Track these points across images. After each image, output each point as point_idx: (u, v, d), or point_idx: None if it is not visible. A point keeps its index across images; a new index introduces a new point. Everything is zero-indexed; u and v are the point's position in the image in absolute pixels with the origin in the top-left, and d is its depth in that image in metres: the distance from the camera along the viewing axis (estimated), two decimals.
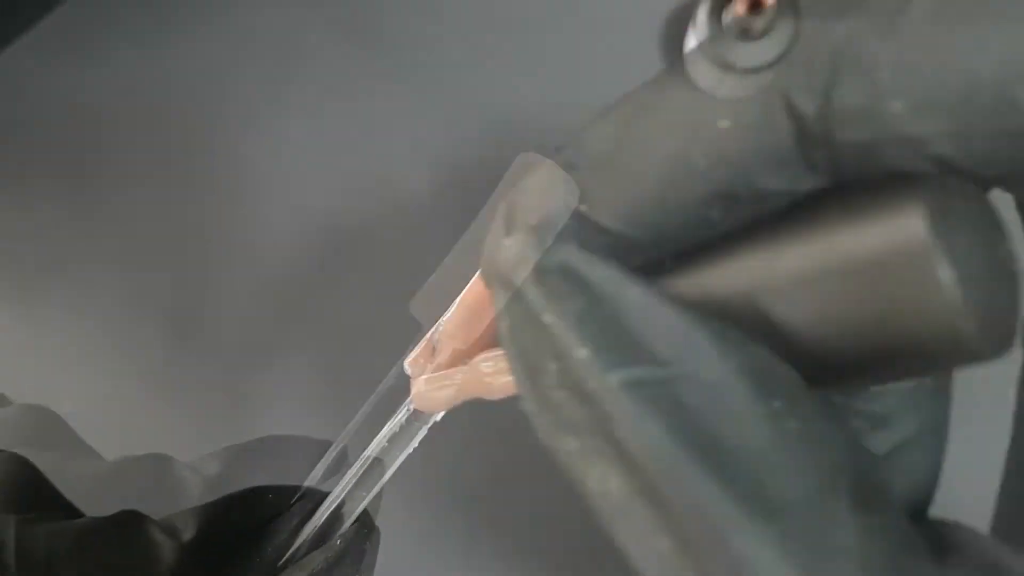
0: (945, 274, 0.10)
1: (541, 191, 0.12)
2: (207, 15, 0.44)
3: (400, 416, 0.19)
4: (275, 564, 0.20)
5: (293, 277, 0.40)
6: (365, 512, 0.21)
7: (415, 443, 0.19)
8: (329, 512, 0.20)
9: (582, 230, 0.12)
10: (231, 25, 0.44)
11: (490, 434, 0.36)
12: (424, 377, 0.17)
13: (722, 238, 0.12)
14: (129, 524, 0.20)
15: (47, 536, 0.19)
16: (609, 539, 0.11)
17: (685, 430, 0.10)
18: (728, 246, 0.12)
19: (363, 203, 0.41)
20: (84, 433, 0.39)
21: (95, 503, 0.18)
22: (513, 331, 0.12)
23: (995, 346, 0.11)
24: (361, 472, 0.19)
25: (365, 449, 0.19)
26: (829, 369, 0.11)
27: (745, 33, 0.11)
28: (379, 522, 0.25)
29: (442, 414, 0.19)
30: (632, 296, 0.11)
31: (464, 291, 0.16)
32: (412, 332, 0.18)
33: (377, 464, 0.19)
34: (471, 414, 0.36)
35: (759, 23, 0.10)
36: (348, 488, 0.19)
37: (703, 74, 0.11)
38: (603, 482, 0.11)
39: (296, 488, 0.22)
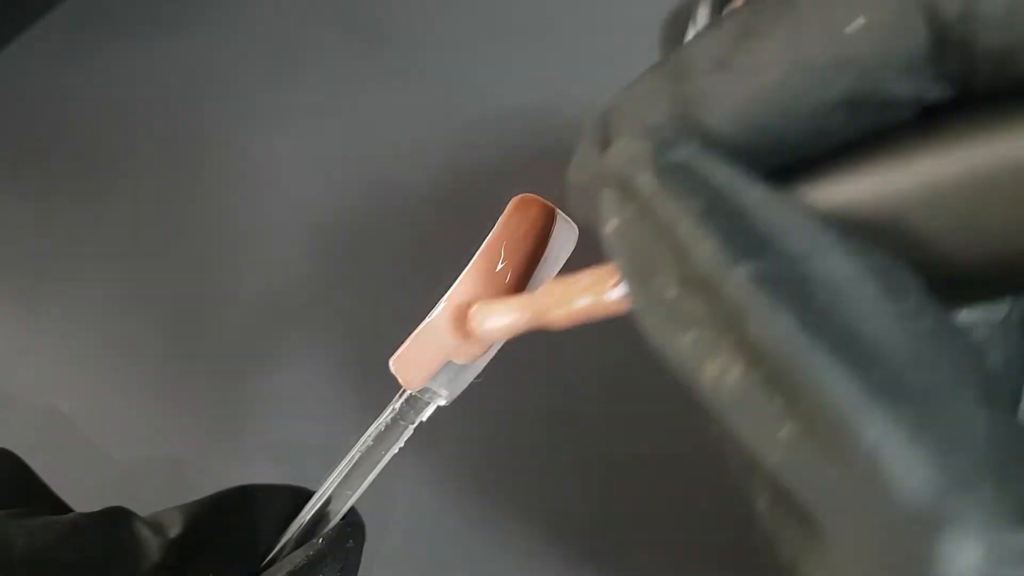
0: None
1: (647, 97, 0.12)
2: (207, 15, 0.44)
3: (386, 415, 0.19)
4: (260, 562, 0.20)
5: (293, 277, 0.40)
6: (353, 511, 0.21)
7: (401, 443, 0.19)
8: (314, 511, 0.20)
9: (698, 136, 0.12)
10: (231, 25, 0.44)
11: (490, 434, 0.36)
12: (481, 307, 0.17)
13: (844, 147, 0.12)
14: (115, 520, 0.20)
15: (32, 530, 0.19)
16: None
17: (817, 322, 0.10)
18: (850, 155, 0.12)
19: (364, 203, 0.41)
20: (84, 434, 0.39)
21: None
22: (623, 231, 0.12)
23: None
24: (347, 471, 0.19)
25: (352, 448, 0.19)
26: (952, 279, 0.11)
27: None
28: (377, 521, 0.25)
29: (429, 413, 0.19)
30: (756, 195, 0.11)
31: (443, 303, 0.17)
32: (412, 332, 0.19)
33: (363, 463, 0.19)
34: (470, 414, 0.36)
35: None
36: (333, 487, 0.19)
37: None
38: (722, 374, 0.11)
39: (285, 487, 0.22)
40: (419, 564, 0.35)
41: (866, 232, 0.11)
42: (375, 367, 0.19)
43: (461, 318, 0.17)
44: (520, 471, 0.35)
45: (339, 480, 0.19)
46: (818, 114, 0.11)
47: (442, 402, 0.19)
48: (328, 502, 0.20)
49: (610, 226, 0.12)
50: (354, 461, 0.19)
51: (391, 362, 0.18)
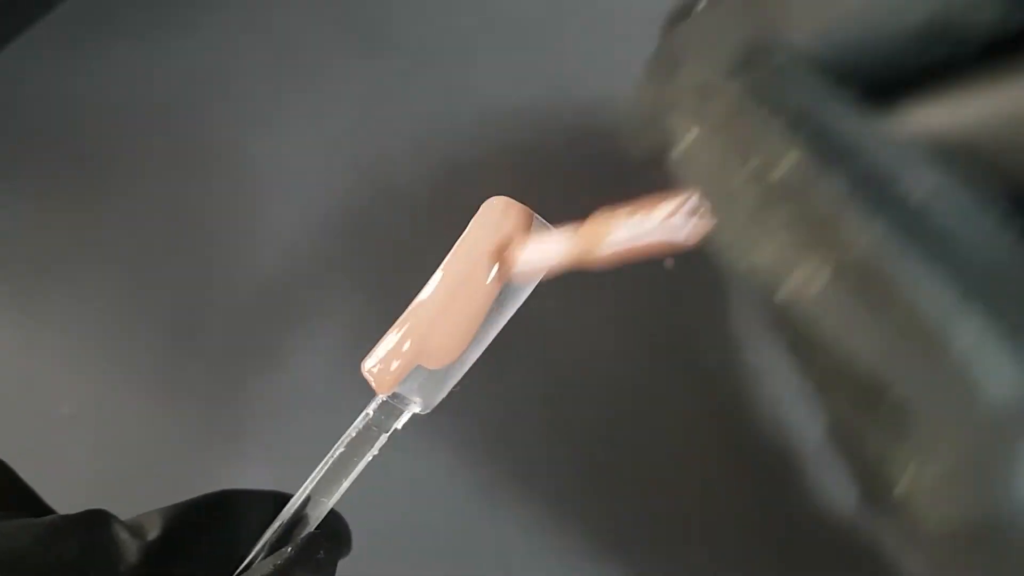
0: None
1: (721, 23, 0.12)
2: (207, 15, 0.44)
3: (358, 421, 0.19)
4: (235, 567, 0.20)
5: (293, 277, 0.40)
6: (336, 519, 0.21)
7: (375, 450, 0.19)
8: (288, 518, 0.19)
9: (783, 52, 0.12)
10: (231, 24, 0.44)
11: (486, 435, 0.36)
12: (520, 240, 0.17)
13: (925, 73, 0.12)
14: (93, 522, 0.20)
15: (8, 532, 0.19)
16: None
17: (910, 227, 0.10)
18: (932, 82, 0.12)
19: (363, 203, 0.40)
20: (83, 434, 0.39)
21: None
22: (700, 145, 0.12)
23: None
24: (319, 477, 0.19)
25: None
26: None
27: None
28: (376, 523, 0.25)
29: (405, 421, 0.19)
30: (841, 108, 0.11)
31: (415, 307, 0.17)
32: None
33: (337, 469, 0.19)
34: (469, 415, 0.36)
35: None
36: (306, 493, 0.19)
37: None
38: (810, 280, 0.11)
39: (268, 493, 0.21)
40: (418, 565, 0.35)
41: (946, 155, 0.11)
42: None
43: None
44: (519, 470, 0.35)
45: (312, 486, 0.19)
46: (905, 36, 0.11)
47: (417, 409, 0.19)
48: (305, 507, 0.19)
49: (684, 143, 0.12)
50: (327, 467, 0.19)
51: (363, 365, 0.18)
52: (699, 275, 0.38)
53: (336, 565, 0.20)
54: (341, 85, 0.42)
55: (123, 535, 0.20)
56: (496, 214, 0.18)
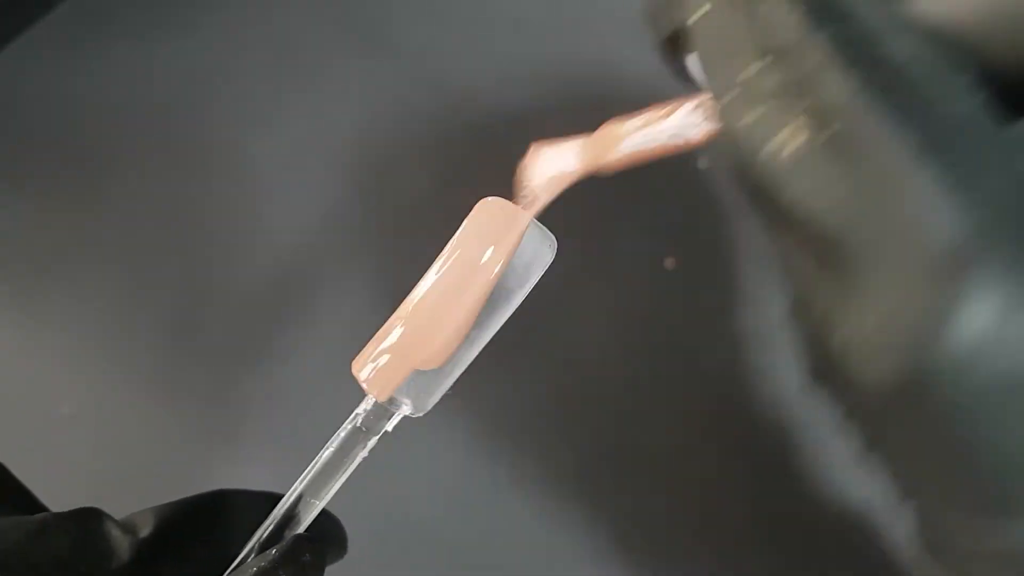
0: None
1: None
2: (207, 15, 0.44)
3: (348, 422, 0.19)
4: (227, 568, 0.20)
5: (293, 277, 0.40)
6: (331, 523, 0.21)
7: (365, 451, 0.19)
8: (278, 519, 0.19)
9: None
10: (231, 24, 0.44)
11: (486, 435, 0.36)
12: (531, 161, 0.17)
13: None
14: (85, 519, 0.20)
15: (0, 529, 0.19)
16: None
17: (884, 84, 0.11)
18: None
19: (363, 201, 0.40)
20: (83, 434, 0.39)
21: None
22: (711, 16, 0.13)
23: None
24: (309, 478, 0.19)
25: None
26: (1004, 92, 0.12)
27: None
28: (375, 523, 0.24)
29: (395, 423, 0.19)
30: None
31: (409, 306, 0.17)
32: None
33: (326, 471, 0.19)
34: (468, 416, 0.36)
35: None
36: (295, 494, 0.19)
37: None
38: (788, 141, 0.12)
39: (264, 494, 0.21)
40: (418, 565, 0.35)
41: (935, 32, 0.12)
42: None
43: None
44: (518, 470, 0.35)
45: (301, 487, 0.19)
46: None
47: (407, 411, 0.19)
48: (296, 508, 0.19)
49: (698, 14, 0.13)
50: (316, 468, 0.19)
51: (353, 365, 0.18)
52: (699, 275, 0.38)
53: (323, 568, 0.19)
54: (341, 85, 0.42)
55: (115, 532, 0.20)
56: (490, 215, 0.18)
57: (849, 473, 0.33)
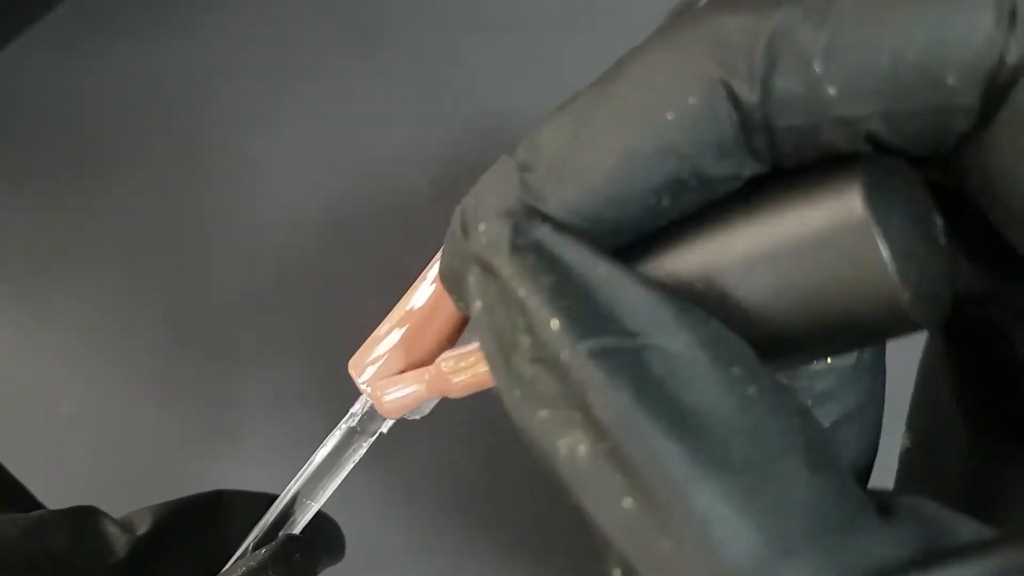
0: (882, 247, 0.11)
1: (500, 184, 0.13)
2: (207, 14, 0.44)
3: (343, 422, 0.19)
4: (220, 567, 0.20)
5: (292, 277, 0.40)
6: (326, 523, 0.21)
7: (361, 452, 0.19)
8: (273, 519, 0.19)
9: (545, 221, 0.12)
10: (231, 24, 0.44)
11: (484, 434, 0.36)
12: (381, 383, 0.17)
13: (676, 224, 0.12)
14: (82, 517, 0.20)
15: None
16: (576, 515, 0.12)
17: (652, 395, 0.11)
18: (682, 231, 0.12)
19: (363, 203, 0.41)
20: (83, 434, 0.39)
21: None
22: (486, 311, 0.12)
23: (929, 314, 0.11)
24: (304, 478, 0.19)
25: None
26: (780, 344, 0.12)
27: None
28: (372, 522, 0.24)
29: (390, 424, 0.19)
30: (601, 272, 0.12)
31: (407, 306, 0.17)
32: None
33: (322, 471, 0.19)
34: (466, 416, 0.36)
35: None
36: (290, 494, 0.19)
37: None
38: (572, 449, 0.11)
39: (263, 495, 0.21)
40: (419, 565, 0.35)
41: (699, 303, 0.12)
42: None
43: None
44: (518, 470, 0.35)
45: (296, 488, 0.19)
46: (649, 198, 0.12)
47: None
48: (291, 509, 0.19)
49: (475, 308, 0.12)
50: (311, 469, 0.19)
51: (349, 364, 0.18)
52: None
53: (315, 569, 0.19)
54: (341, 85, 0.42)
55: (112, 529, 0.20)
56: None
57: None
